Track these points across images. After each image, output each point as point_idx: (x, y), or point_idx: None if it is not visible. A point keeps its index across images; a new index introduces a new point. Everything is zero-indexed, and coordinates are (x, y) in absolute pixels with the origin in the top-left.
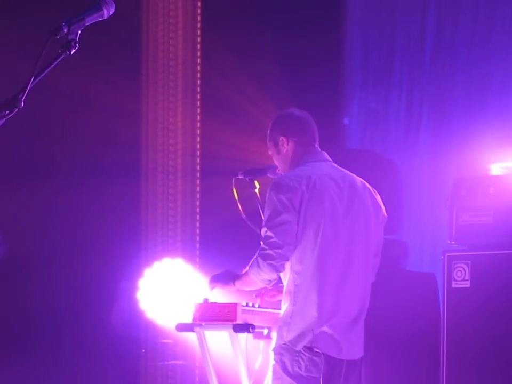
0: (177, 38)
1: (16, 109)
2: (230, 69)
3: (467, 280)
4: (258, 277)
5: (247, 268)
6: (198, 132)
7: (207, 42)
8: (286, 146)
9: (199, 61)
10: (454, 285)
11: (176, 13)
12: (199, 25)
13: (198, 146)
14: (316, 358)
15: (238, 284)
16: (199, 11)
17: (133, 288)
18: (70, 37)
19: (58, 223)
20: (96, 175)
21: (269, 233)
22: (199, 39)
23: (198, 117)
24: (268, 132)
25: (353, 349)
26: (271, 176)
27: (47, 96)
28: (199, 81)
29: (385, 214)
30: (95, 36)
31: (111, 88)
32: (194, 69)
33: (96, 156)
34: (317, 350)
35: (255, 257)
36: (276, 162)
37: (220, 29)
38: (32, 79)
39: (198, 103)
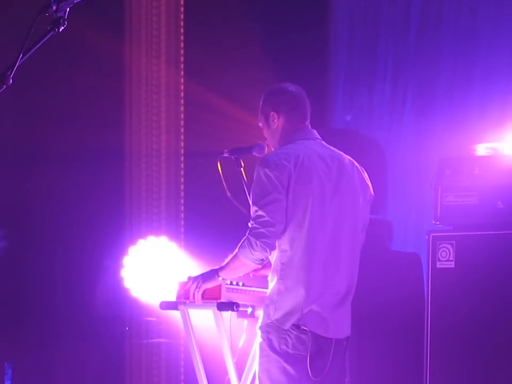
0: (160, 16)
1: (4, 86)
2: (214, 48)
3: (451, 260)
4: (250, 257)
5: (236, 250)
6: (182, 110)
7: (191, 20)
8: (277, 122)
9: (182, 38)
10: (438, 265)
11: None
12: (182, 1)
13: (182, 125)
14: (303, 336)
15: (223, 274)
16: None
17: (118, 266)
18: (58, 14)
19: (43, 203)
20: (80, 156)
21: (260, 212)
22: (182, 17)
23: (182, 97)
24: (260, 104)
25: (341, 327)
26: (257, 155)
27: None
28: (182, 60)
29: (372, 193)
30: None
31: (95, 69)
32: (177, 47)
33: (80, 137)
34: (304, 328)
35: (245, 237)
36: (265, 135)
37: (204, 6)
38: (21, 56)
39: (182, 79)
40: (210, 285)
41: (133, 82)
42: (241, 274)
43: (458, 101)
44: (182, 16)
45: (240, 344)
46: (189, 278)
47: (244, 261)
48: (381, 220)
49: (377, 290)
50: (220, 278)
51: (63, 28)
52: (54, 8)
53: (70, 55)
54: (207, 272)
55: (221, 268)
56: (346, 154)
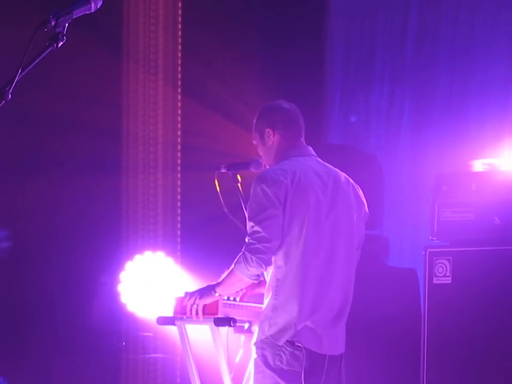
0: (158, 30)
1: (4, 101)
2: (211, 61)
3: (448, 276)
4: (246, 273)
5: (232, 266)
6: (179, 125)
7: (188, 35)
8: (272, 139)
9: (179, 54)
10: (435, 281)
11: (157, 6)
12: (180, 18)
13: (179, 139)
14: (297, 352)
15: (219, 289)
16: (180, 5)
17: (114, 281)
18: (57, 30)
19: (39, 217)
20: (77, 170)
21: (256, 228)
22: (179, 33)
23: (179, 110)
24: (254, 121)
25: (335, 344)
26: (254, 170)
27: (29, 86)
28: (179, 75)
29: (367, 210)
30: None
31: (93, 84)
32: (175, 62)
33: (77, 151)
34: (299, 344)
35: (241, 253)
36: (260, 153)
37: (201, 22)
38: (20, 71)
39: (179, 96)
40: (207, 301)
41: (130, 96)
42: (238, 290)
43: (455, 116)
44: (179, 32)
45: (237, 360)
46: (186, 293)
47: (239, 277)
48: (378, 235)
49: (374, 306)
50: (217, 294)
51: (61, 43)
52: (53, 23)
53: (68, 69)
54: (203, 288)
55: (218, 284)
56: (342, 169)
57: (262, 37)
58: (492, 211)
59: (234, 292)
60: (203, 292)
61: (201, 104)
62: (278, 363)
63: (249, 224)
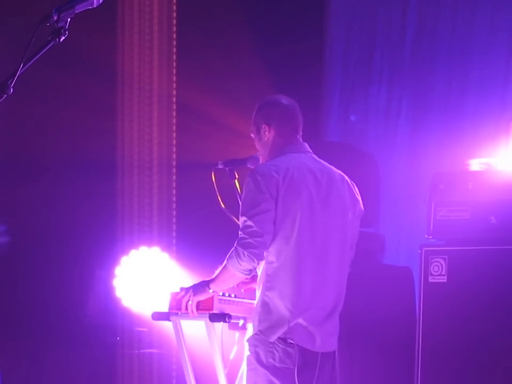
0: (153, 28)
1: (5, 95)
2: (207, 58)
3: (444, 275)
4: (238, 268)
5: (224, 262)
6: (174, 121)
7: (183, 33)
8: (268, 134)
9: (175, 47)
10: (430, 279)
11: (151, 5)
12: (174, 14)
13: (174, 136)
14: (289, 349)
15: (213, 286)
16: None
17: (110, 276)
18: (59, 25)
19: (35, 214)
20: (73, 166)
21: (248, 222)
22: (174, 30)
23: (174, 107)
24: (253, 115)
25: (328, 342)
26: (251, 167)
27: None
28: (175, 70)
29: (362, 208)
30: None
31: (87, 80)
32: (170, 57)
33: (72, 148)
34: (291, 342)
35: (233, 248)
36: (257, 147)
37: (197, 18)
38: (22, 65)
39: (174, 93)
40: (202, 297)
41: (125, 92)
42: (231, 285)
43: (452, 115)
44: (174, 24)
45: (232, 356)
46: (181, 288)
47: (232, 272)
48: (374, 233)
49: (369, 304)
50: (211, 290)
51: (64, 38)
52: (55, 18)
53: (62, 64)
54: (198, 284)
55: (212, 280)
56: (339, 166)
57: (261, 34)
58: (488, 210)
59: (227, 287)
60: (197, 288)
61: (197, 99)
62: (271, 360)
63: (241, 218)
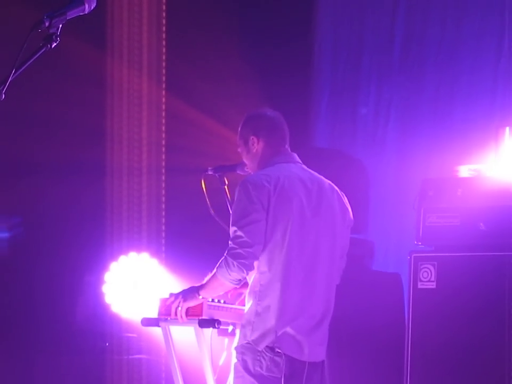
0: (142, 30)
1: None
2: (196, 61)
3: (433, 281)
4: (227, 277)
5: (214, 270)
6: (163, 126)
7: (173, 35)
8: (256, 146)
9: (164, 51)
10: (419, 285)
11: (141, 2)
12: (164, 15)
13: (163, 141)
14: (277, 358)
15: (203, 292)
16: (164, 1)
17: (99, 282)
18: (51, 31)
19: (23, 218)
20: (62, 171)
21: (238, 232)
22: (164, 32)
23: (163, 112)
24: (239, 129)
25: (316, 351)
26: (241, 173)
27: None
28: (164, 75)
29: (352, 217)
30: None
31: (76, 83)
32: (159, 61)
33: (61, 152)
34: (279, 350)
35: (223, 258)
36: (245, 160)
37: (186, 21)
38: (13, 71)
39: (163, 98)
40: (191, 303)
41: (115, 97)
42: (221, 293)
43: (441, 121)
44: (164, 31)
45: (221, 362)
46: (171, 294)
47: (221, 281)
48: (363, 239)
49: (358, 310)
50: (200, 297)
51: (55, 44)
52: (47, 24)
53: (51, 68)
54: (188, 290)
55: (201, 287)
56: (328, 173)
57: (249, 38)
58: (477, 217)
59: (216, 295)
60: (187, 294)
61: (186, 103)
62: (258, 368)
63: (232, 228)
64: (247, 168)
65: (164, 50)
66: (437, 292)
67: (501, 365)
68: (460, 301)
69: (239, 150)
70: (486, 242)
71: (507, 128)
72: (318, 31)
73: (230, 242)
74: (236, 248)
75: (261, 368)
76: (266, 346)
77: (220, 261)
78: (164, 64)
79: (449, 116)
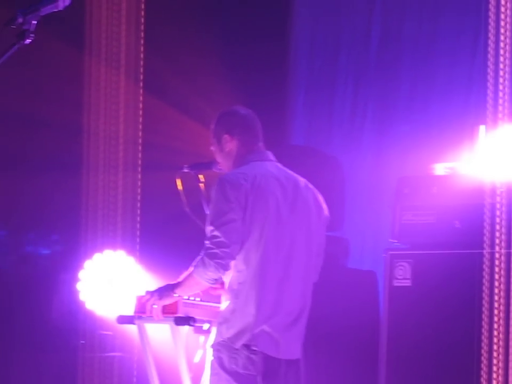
0: (121, 26)
1: None
2: (174, 58)
3: (408, 279)
4: (204, 277)
5: (191, 269)
6: (140, 125)
7: (151, 32)
8: (230, 145)
9: (142, 48)
10: (395, 283)
11: (119, 11)
12: (142, 13)
13: (140, 138)
14: (253, 356)
15: (179, 291)
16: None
17: (74, 280)
18: (24, 27)
19: None
20: (37, 166)
21: (215, 232)
22: (142, 29)
23: (140, 109)
24: (212, 128)
25: (292, 349)
26: (217, 171)
27: None
28: (141, 72)
29: (327, 215)
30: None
31: (53, 76)
32: (137, 59)
33: (37, 148)
34: (255, 348)
35: (200, 257)
36: (218, 159)
37: (164, 18)
38: None
39: (141, 94)
40: (166, 301)
41: (92, 94)
42: (196, 292)
43: (417, 119)
44: (142, 28)
45: (197, 360)
46: (147, 292)
47: (198, 280)
48: (338, 237)
49: (333, 308)
50: (176, 295)
51: (29, 40)
52: (20, 20)
53: (29, 64)
54: (163, 288)
55: (177, 285)
56: (304, 169)
57: (225, 34)
58: (452, 215)
59: (192, 293)
60: (162, 292)
61: (163, 101)
62: (234, 366)
63: (208, 228)
64: (219, 167)
65: (141, 48)
66: (412, 289)
67: (473, 362)
68: (435, 298)
69: (212, 148)
70: (461, 240)
71: (482, 126)
72: (295, 28)
73: (206, 242)
74: (212, 248)
75: (237, 365)
76: (243, 344)
77: (196, 260)
78: (141, 62)
79: (425, 114)
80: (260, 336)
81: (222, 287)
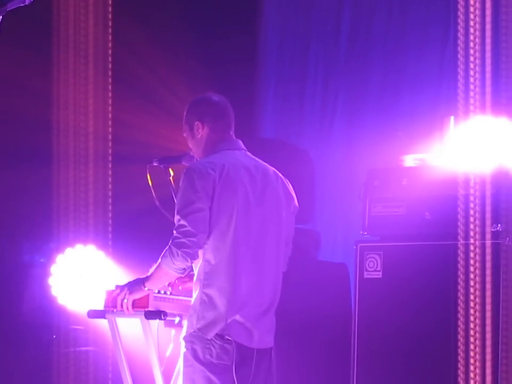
0: (88, 19)
1: None
2: (143, 52)
3: (379, 270)
4: (172, 267)
5: (159, 260)
6: (110, 116)
7: (119, 25)
8: (201, 132)
9: (110, 41)
10: (366, 275)
11: (86, 2)
12: (110, 8)
13: (110, 131)
14: (227, 346)
15: (149, 284)
16: None
17: (45, 274)
18: None
19: None
20: (7, 160)
21: (182, 221)
22: (110, 22)
23: (110, 101)
24: (184, 114)
25: (264, 338)
26: (186, 164)
27: None
28: (110, 65)
29: (297, 204)
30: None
31: (21, 69)
32: (105, 49)
33: (5, 141)
34: (228, 338)
35: (167, 247)
36: (190, 146)
37: (132, 11)
38: None
39: (110, 87)
40: (137, 295)
41: (61, 86)
42: (166, 283)
43: (387, 111)
44: (110, 20)
45: (168, 353)
46: (117, 286)
47: (166, 270)
48: (309, 230)
49: (304, 300)
50: (146, 288)
51: None
52: None
53: None
54: (133, 282)
55: (146, 278)
56: (274, 162)
57: (194, 27)
58: (422, 206)
59: (162, 285)
60: (133, 286)
61: (132, 95)
62: (208, 357)
63: (176, 217)
64: (192, 153)
65: (109, 40)
66: (383, 281)
67: (447, 354)
68: (406, 290)
69: (184, 134)
70: (432, 232)
71: (452, 118)
72: (264, 19)
73: (174, 231)
74: (179, 238)
75: (211, 356)
76: (216, 334)
77: (164, 250)
78: (109, 55)
79: (395, 106)
80: (232, 326)
81: (190, 281)
